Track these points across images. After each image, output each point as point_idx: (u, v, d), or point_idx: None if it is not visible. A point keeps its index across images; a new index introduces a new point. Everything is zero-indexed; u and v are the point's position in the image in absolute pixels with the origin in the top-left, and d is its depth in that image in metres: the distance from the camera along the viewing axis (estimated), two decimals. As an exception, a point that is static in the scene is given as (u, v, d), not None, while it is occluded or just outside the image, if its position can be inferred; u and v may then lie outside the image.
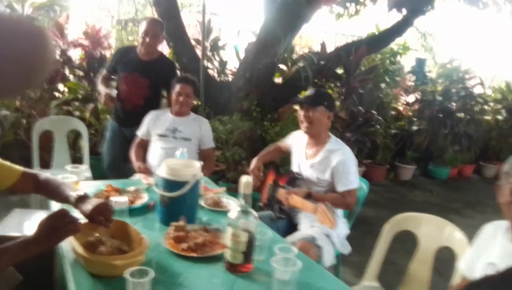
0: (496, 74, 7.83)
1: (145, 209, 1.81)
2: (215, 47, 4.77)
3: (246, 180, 1.33)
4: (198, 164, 1.74)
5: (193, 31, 5.16)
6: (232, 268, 1.36)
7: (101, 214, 1.36)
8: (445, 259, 2.00)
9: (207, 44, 4.60)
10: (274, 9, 4.39)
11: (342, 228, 2.27)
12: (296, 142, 2.42)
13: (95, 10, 5.81)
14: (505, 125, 6.88)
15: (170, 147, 2.59)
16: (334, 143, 2.26)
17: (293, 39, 4.85)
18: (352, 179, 2.16)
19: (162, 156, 2.54)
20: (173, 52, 4.47)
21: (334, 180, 2.16)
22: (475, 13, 6.54)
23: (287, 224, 2.30)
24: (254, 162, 2.41)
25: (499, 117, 7.13)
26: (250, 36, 4.83)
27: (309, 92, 2.29)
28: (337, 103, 4.74)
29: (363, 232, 2.21)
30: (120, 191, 1.90)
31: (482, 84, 6.68)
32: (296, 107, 2.32)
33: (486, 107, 6.90)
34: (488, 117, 7.05)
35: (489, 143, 6.83)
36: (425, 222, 2.01)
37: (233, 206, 1.54)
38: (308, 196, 2.04)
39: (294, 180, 2.27)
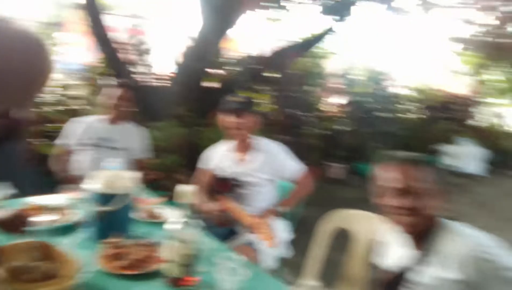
0: (414, 76, 8.47)
1: (74, 227, 1.68)
2: (146, 51, 4.63)
3: (185, 190, 1.29)
4: (132, 175, 1.65)
5: (120, 35, 4.95)
6: (174, 282, 1.31)
7: (17, 220, 1.25)
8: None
9: (138, 48, 4.45)
10: (208, 13, 4.36)
11: (284, 232, 2.30)
12: (218, 157, 2.40)
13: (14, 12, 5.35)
14: (422, 122, 7.48)
15: (101, 157, 2.44)
16: (264, 142, 2.33)
17: (222, 43, 4.85)
18: (297, 163, 2.29)
19: (92, 167, 2.39)
20: (104, 57, 4.24)
21: (282, 173, 2.24)
22: (395, 18, 7.03)
23: (226, 229, 2.28)
24: (207, 202, 2.30)
25: (417, 115, 7.75)
26: (186, 40, 4.75)
27: (234, 99, 2.29)
28: (270, 106, 4.82)
29: (300, 232, 2.26)
30: (44, 209, 1.74)
31: (401, 85, 7.20)
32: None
33: (405, 106, 7.46)
34: (407, 116, 7.62)
35: (409, 139, 7.36)
36: (357, 218, 2.10)
37: (172, 216, 1.47)
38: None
39: (236, 185, 2.26)
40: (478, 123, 9.14)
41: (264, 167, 2.24)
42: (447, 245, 1.23)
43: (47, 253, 1.28)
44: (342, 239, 2.13)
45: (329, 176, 6.22)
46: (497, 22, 7.82)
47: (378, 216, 2.07)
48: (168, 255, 1.29)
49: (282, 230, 2.26)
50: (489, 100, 9.08)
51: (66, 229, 1.64)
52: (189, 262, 1.30)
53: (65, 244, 1.47)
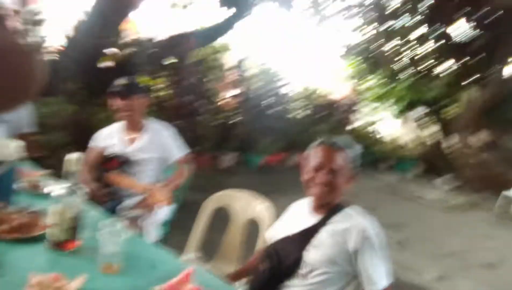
0: (302, 76, 9.15)
1: None
2: (35, 22, 4.31)
3: (71, 157, 1.36)
4: (15, 143, 1.65)
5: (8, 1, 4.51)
6: (57, 245, 1.37)
7: None
8: (252, 232, 2.36)
9: (26, 17, 4.12)
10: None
11: (164, 209, 2.45)
12: (108, 136, 2.48)
13: None
14: (306, 121, 8.17)
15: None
16: (155, 123, 2.46)
17: (123, 23, 4.75)
18: (181, 147, 2.45)
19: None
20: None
21: (167, 153, 2.38)
22: (289, 21, 7.53)
23: (113, 206, 2.35)
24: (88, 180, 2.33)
25: (302, 113, 8.44)
26: (79, 14, 4.53)
27: (122, 81, 2.37)
28: (168, 90, 4.86)
29: (188, 215, 2.43)
30: None
31: (290, 84, 7.77)
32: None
33: (292, 104, 8.07)
34: (294, 113, 8.26)
35: (294, 136, 7.96)
36: (237, 197, 2.34)
37: (56, 187, 1.51)
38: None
39: (124, 163, 2.34)
40: (356, 125, 10.26)
41: (150, 146, 2.38)
42: (341, 217, 1.56)
43: None
44: (224, 220, 2.36)
45: (219, 165, 6.48)
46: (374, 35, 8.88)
47: (254, 195, 2.35)
48: (53, 219, 1.35)
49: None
50: (366, 105, 10.24)
51: None
52: (72, 226, 1.38)
53: None
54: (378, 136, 10.16)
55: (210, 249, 2.35)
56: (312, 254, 1.53)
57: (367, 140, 9.73)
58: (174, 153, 2.42)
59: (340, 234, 1.52)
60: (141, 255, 1.46)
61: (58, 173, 2.07)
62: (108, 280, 1.26)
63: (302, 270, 1.53)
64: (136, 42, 4.58)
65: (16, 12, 4.11)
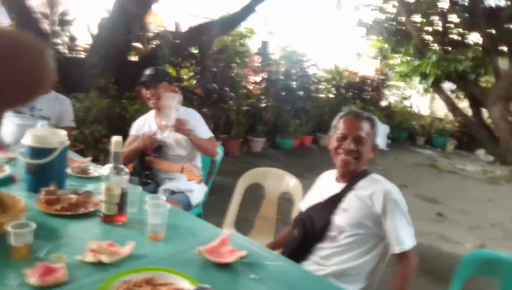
0: (327, 57, 9.11)
1: (8, 181, 1.81)
2: (64, 22, 4.53)
3: (116, 139, 1.50)
4: (64, 132, 1.81)
5: (37, 3, 4.77)
6: (108, 219, 1.53)
7: None
8: (285, 205, 2.48)
9: (55, 18, 4.34)
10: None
11: (198, 191, 2.59)
12: (141, 125, 2.63)
13: None
14: (335, 101, 8.15)
15: (27, 125, 2.51)
16: (183, 109, 2.59)
17: (146, 17, 4.90)
18: (208, 129, 2.56)
19: (17, 134, 2.46)
20: (16, 25, 4.11)
21: (198, 134, 2.47)
22: (309, 2, 7.51)
23: (153, 189, 2.51)
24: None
25: (330, 94, 8.41)
26: (102, 11, 4.72)
27: (148, 71, 2.51)
28: (193, 81, 5.01)
29: (221, 198, 2.56)
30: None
31: (316, 66, 7.75)
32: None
33: (320, 86, 8.05)
34: (322, 95, 8.24)
35: (323, 116, 8.00)
36: (269, 174, 2.46)
37: (103, 169, 1.66)
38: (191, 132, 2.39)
39: (159, 147, 2.50)
40: (385, 103, 10.15)
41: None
42: (366, 183, 1.65)
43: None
44: (257, 199, 2.48)
45: (250, 150, 6.61)
46: (394, 11, 8.68)
47: (286, 172, 2.46)
48: (103, 196, 1.51)
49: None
50: (394, 82, 10.10)
51: (2, 183, 1.77)
52: (119, 202, 1.52)
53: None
54: (413, 112, 10.02)
55: (245, 226, 2.49)
56: (341, 217, 1.62)
57: (402, 116, 9.65)
58: (205, 133, 2.52)
59: (366, 198, 1.60)
60: (182, 224, 1.60)
61: (97, 163, 2.27)
62: (155, 246, 1.40)
63: (332, 233, 1.63)
64: (160, 35, 4.73)
65: (45, 14, 4.34)
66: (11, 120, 2.61)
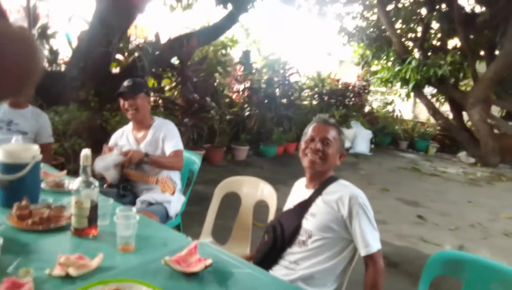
0: (309, 65, 9.25)
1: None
2: (44, 35, 4.54)
3: (85, 153, 1.52)
4: (36, 147, 1.83)
5: (16, 17, 4.78)
6: (79, 232, 1.54)
7: None
8: (261, 212, 2.51)
9: (34, 31, 4.35)
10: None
11: (176, 202, 2.61)
12: (119, 137, 2.66)
13: None
14: (317, 107, 8.25)
15: (4, 139, 2.52)
16: (159, 121, 2.61)
17: (128, 28, 4.93)
18: (177, 142, 2.54)
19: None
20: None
21: (164, 147, 2.50)
22: (291, 11, 7.61)
23: (131, 201, 2.53)
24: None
25: (313, 101, 8.52)
26: (82, 24, 4.74)
27: (126, 82, 2.54)
28: (175, 91, 5.04)
29: (203, 207, 2.58)
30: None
31: (298, 73, 7.85)
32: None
33: (302, 93, 8.15)
34: (305, 102, 8.34)
35: (306, 123, 8.04)
36: (245, 182, 2.49)
37: (75, 181, 1.68)
38: (146, 156, 2.40)
39: (140, 161, 2.52)
40: (368, 108, 10.31)
41: (154, 142, 2.54)
42: (333, 188, 1.71)
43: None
44: (234, 208, 2.52)
45: (234, 158, 6.65)
46: (375, 18, 8.86)
47: (261, 180, 2.50)
48: (73, 209, 1.53)
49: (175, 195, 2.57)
50: (376, 88, 10.26)
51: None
52: (92, 215, 1.55)
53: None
54: (395, 116, 10.19)
55: (225, 235, 2.52)
56: (309, 221, 1.68)
57: (385, 121, 9.80)
58: (171, 146, 2.51)
59: (333, 202, 1.66)
60: (153, 235, 1.63)
61: (77, 175, 2.28)
62: (125, 257, 1.43)
63: (302, 237, 1.68)
64: (141, 46, 4.76)
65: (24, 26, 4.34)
66: (-12, 135, 2.61)
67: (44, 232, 1.55)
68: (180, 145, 2.54)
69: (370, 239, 1.59)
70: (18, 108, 2.72)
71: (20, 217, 1.59)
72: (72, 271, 1.24)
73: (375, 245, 1.60)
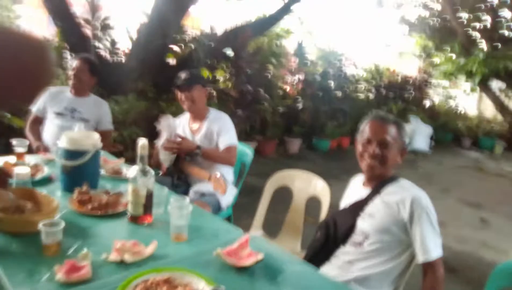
0: (367, 56, 8.93)
1: (47, 181, 1.92)
2: (105, 27, 4.73)
3: (142, 143, 1.55)
4: (97, 135, 1.90)
5: (81, 10, 5.02)
6: (134, 219, 1.58)
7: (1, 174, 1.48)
8: (313, 207, 2.46)
9: (97, 23, 4.55)
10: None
11: (228, 194, 2.61)
12: (176, 125, 2.68)
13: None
14: (374, 101, 7.97)
15: (67, 126, 2.65)
16: (214, 113, 2.61)
17: (182, 20, 5.02)
18: (231, 137, 2.51)
19: (58, 135, 2.58)
20: (60, 31, 4.34)
21: (218, 141, 2.50)
22: (349, 1, 7.37)
23: (185, 190, 2.58)
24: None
25: (370, 94, 8.23)
26: (141, 17, 4.89)
27: (183, 75, 2.55)
28: (228, 83, 5.07)
29: (255, 199, 2.57)
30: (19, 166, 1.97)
31: (355, 66, 7.61)
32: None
33: (358, 86, 7.90)
34: (361, 95, 8.08)
35: (362, 117, 7.81)
36: (297, 176, 2.45)
37: (131, 169, 1.73)
38: (198, 148, 2.39)
39: (189, 152, 2.55)
40: (429, 103, 9.80)
41: (209, 134, 2.54)
42: (394, 188, 1.61)
43: (29, 196, 1.54)
44: (286, 201, 2.48)
45: (287, 151, 6.60)
46: (439, 8, 8.35)
47: (314, 175, 2.44)
48: (130, 197, 1.57)
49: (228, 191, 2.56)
50: (438, 81, 9.72)
51: (41, 183, 1.88)
52: (148, 203, 1.58)
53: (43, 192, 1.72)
54: (459, 112, 9.62)
55: (275, 228, 2.49)
56: (366, 222, 1.59)
57: (447, 116, 9.29)
58: (223, 141, 2.49)
59: (394, 203, 1.56)
60: (205, 226, 1.64)
61: (135, 163, 2.34)
62: (178, 246, 1.44)
63: (357, 238, 1.60)
64: (196, 38, 4.83)
65: (87, 20, 4.55)
66: (52, 122, 2.75)
67: (102, 217, 1.61)
68: (234, 141, 2.52)
69: (430, 246, 1.49)
70: (81, 96, 2.84)
71: (80, 202, 1.65)
72: (127, 257, 1.27)
73: (435, 252, 1.49)
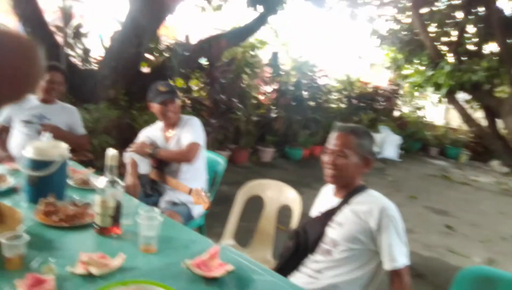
0: (339, 68, 9.11)
1: (11, 192, 1.87)
2: (78, 34, 4.66)
3: (112, 153, 1.54)
4: (65, 145, 1.86)
5: (53, 17, 4.93)
6: (102, 231, 1.56)
7: None
8: (285, 215, 2.48)
9: (69, 31, 4.47)
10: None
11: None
12: (150, 135, 2.67)
13: None
14: (345, 111, 8.13)
15: (35, 135, 2.59)
16: (185, 118, 2.63)
17: (158, 29, 5.00)
18: (196, 135, 2.50)
19: (25, 144, 2.52)
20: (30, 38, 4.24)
21: (181, 139, 2.51)
22: (322, 13, 7.52)
23: (157, 200, 2.55)
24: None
25: (341, 104, 8.39)
26: (115, 24, 4.83)
27: (163, 88, 2.54)
28: (203, 92, 5.07)
29: (227, 208, 2.57)
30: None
31: (327, 76, 7.76)
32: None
33: (331, 96, 8.05)
34: (333, 105, 8.23)
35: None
36: (268, 186, 2.47)
37: (100, 180, 1.70)
38: (155, 148, 2.45)
39: (159, 161, 2.54)
40: (398, 113, 10.07)
41: (179, 140, 2.54)
42: (363, 198, 1.65)
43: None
44: (257, 210, 2.49)
45: (259, 159, 6.63)
46: (409, 21, 8.63)
47: (285, 184, 2.47)
48: (97, 208, 1.54)
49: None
50: (408, 93, 10.01)
51: (5, 193, 1.83)
52: (116, 215, 1.56)
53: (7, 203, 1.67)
54: (426, 122, 9.93)
55: (247, 237, 2.50)
56: (336, 231, 1.63)
57: (416, 126, 9.56)
58: (186, 138, 2.49)
59: (362, 213, 1.60)
60: (175, 237, 1.62)
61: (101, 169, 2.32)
62: (147, 258, 1.43)
63: (326, 246, 1.63)
64: (171, 47, 4.82)
65: (59, 27, 4.47)
66: (20, 131, 2.68)
67: (69, 229, 1.57)
68: (197, 139, 2.49)
69: (397, 254, 1.53)
70: (48, 103, 2.78)
71: (46, 213, 1.61)
72: (93, 270, 1.25)
73: (402, 260, 1.53)
